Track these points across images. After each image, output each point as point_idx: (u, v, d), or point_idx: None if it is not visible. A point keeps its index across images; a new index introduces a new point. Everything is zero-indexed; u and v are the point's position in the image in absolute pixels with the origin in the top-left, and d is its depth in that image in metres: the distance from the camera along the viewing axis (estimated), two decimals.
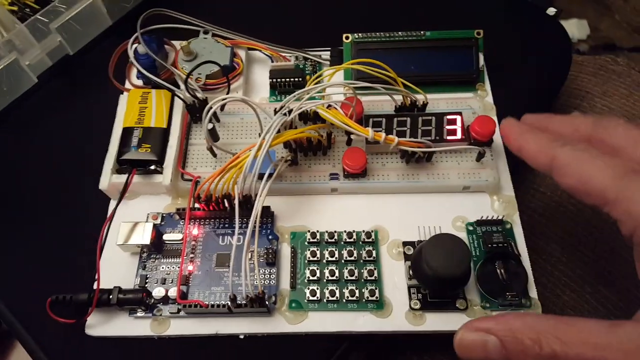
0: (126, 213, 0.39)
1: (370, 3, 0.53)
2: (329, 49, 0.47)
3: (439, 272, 0.32)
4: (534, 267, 0.37)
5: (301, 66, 0.46)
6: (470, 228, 0.38)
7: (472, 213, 0.39)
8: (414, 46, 0.44)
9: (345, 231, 0.38)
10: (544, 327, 0.26)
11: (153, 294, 0.35)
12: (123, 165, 0.40)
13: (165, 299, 0.36)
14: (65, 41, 0.47)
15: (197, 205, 0.38)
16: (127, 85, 0.45)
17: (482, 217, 0.38)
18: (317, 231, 0.38)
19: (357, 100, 0.39)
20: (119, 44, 0.46)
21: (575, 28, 1.04)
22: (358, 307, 0.36)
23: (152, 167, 0.39)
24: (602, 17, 1.06)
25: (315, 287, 0.36)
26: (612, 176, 0.28)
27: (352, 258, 0.37)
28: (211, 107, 0.36)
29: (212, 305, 0.35)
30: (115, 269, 0.37)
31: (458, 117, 0.40)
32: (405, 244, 0.38)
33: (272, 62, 0.46)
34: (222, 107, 0.42)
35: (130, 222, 0.37)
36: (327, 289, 0.36)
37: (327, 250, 0.37)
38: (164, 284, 0.36)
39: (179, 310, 0.35)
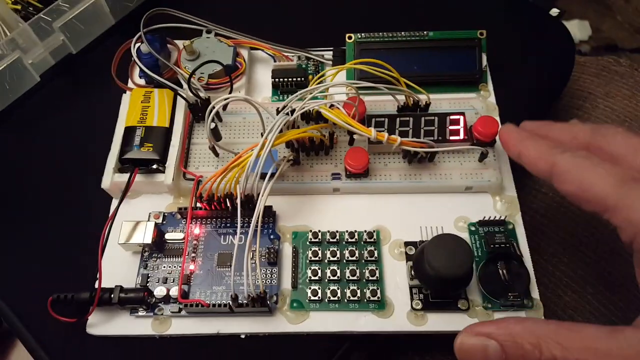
0: (128, 212, 0.39)
1: (373, 3, 0.53)
2: (332, 48, 0.47)
3: (441, 272, 0.32)
4: (535, 267, 0.36)
5: (304, 66, 0.46)
6: (473, 228, 0.38)
7: (475, 213, 0.39)
8: (417, 46, 0.44)
9: (347, 231, 0.38)
10: (544, 332, 0.26)
11: (154, 293, 0.35)
12: (125, 165, 0.40)
13: (167, 298, 0.36)
14: (68, 40, 0.47)
15: (199, 204, 0.38)
16: (130, 84, 0.45)
17: (484, 217, 0.38)
18: (319, 231, 0.38)
19: (359, 100, 0.39)
20: (121, 43, 0.46)
21: (577, 29, 1.04)
22: (359, 307, 0.35)
23: (154, 167, 0.39)
24: (604, 18, 1.06)
25: (316, 287, 0.36)
26: (613, 184, 0.28)
27: (354, 258, 0.37)
28: (214, 107, 0.36)
29: (214, 305, 0.35)
30: (117, 268, 0.37)
31: (461, 118, 0.40)
32: (407, 244, 0.38)
33: (275, 61, 0.46)
34: (225, 107, 0.42)
35: (132, 221, 0.37)
36: (329, 288, 0.36)
37: (329, 250, 0.37)
38: (165, 283, 0.36)
39: (180, 310, 0.35)
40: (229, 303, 0.34)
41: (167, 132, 0.41)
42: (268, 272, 0.37)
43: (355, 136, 0.40)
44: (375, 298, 0.35)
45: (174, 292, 0.35)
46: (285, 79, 0.44)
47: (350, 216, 0.39)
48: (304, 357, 0.37)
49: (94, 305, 0.34)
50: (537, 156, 0.33)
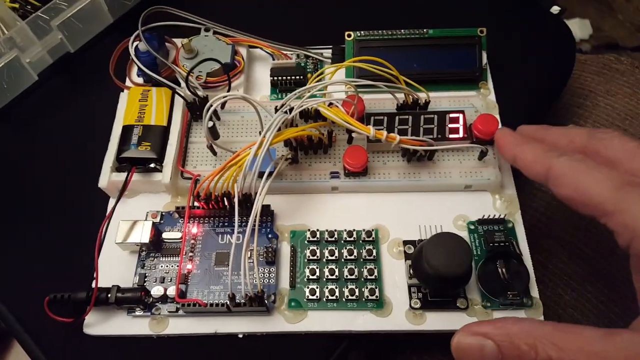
0: (125, 211, 0.39)
1: (372, 1, 0.53)
2: (331, 46, 0.46)
3: (439, 271, 0.31)
4: (535, 266, 0.36)
5: (302, 64, 0.46)
6: (472, 227, 0.38)
7: (474, 212, 0.39)
8: (417, 44, 0.44)
9: (345, 230, 0.38)
10: (540, 333, 0.26)
11: (152, 293, 0.35)
12: (123, 164, 0.39)
13: (164, 298, 0.35)
14: (66, 39, 0.47)
15: (196, 203, 0.38)
16: (128, 83, 0.45)
17: (483, 216, 0.38)
18: (317, 230, 0.38)
19: (358, 98, 0.39)
20: (120, 42, 0.46)
21: (578, 28, 1.04)
22: (358, 306, 0.35)
23: (152, 165, 0.39)
24: (605, 17, 1.06)
25: (314, 286, 0.36)
26: (610, 188, 0.28)
27: (352, 257, 0.37)
28: (211, 105, 0.36)
29: (211, 304, 0.35)
30: (114, 268, 0.37)
31: (460, 116, 0.40)
32: (405, 242, 0.38)
33: (273, 60, 0.46)
34: (223, 105, 0.42)
35: (130, 221, 0.37)
36: (327, 288, 0.36)
37: (327, 249, 0.37)
38: (162, 282, 0.36)
39: (177, 309, 0.35)
40: (226, 302, 0.34)
41: (165, 130, 0.40)
42: (266, 271, 0.36)
43: (354, 135, 0.40)
44: (374, 297, 0.35)
45: (172, 291, 0.35)
46: (284, 77, 0.44)
47: (349, 215, 0.39)
48: (302, 357, 0.36)
49: (91, 305, 0.34)
50: (533, 160, 0.33)
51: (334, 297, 0.35)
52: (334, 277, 0.36)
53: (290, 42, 0.46)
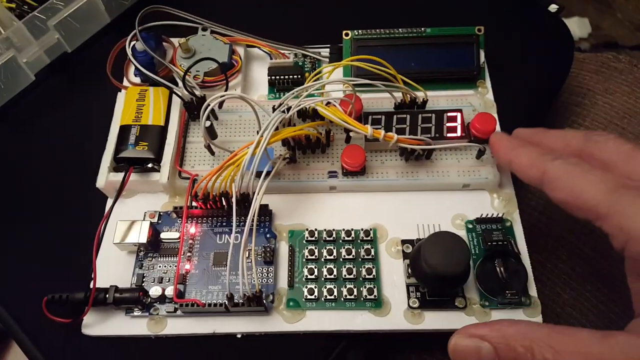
0: (123, 211, 0.39)
1: (370, 0, 0.52)
2: (328, 46, 0.46)
3: (438, 270, 0.31)
4: (533, 265, 0.36)
5: (300, 63, 0.46)
6: (470, 226, 0.38)
7: (472, 211, 0.38)
8: (414, 43, 0.44)
9: (343, 229, 0.38)
10: (537, 336, 0.26)
11: (150, 293, 0.35)
12: (120, 164, 0.39)
13: (162, 298, 0.35)
14: (63, 38, 0.46)
15: (194, 203, 0.38)
16: (125, 82, 0.45)
17: (481, 215, 0.38)
18: (316, 229, 0.38)
19: (356, 98, 0.39)
20: (117, 42, 0.46)
21: (577, 26, 1.04)
22: (356, 306, 0.35)
23: (150, 165, 0.39)
24: (604, 15, 1.06)
25: (313, 286, 0.36)
26: (604, 191, 0.28)
27: (351, 256, 0.37)
28: (209, 105, 0.36)
29: (210, 304, 0.34)
30: (112, 268, 0.37)
31: (458, 115, 0.40)
32: (404, 242, 0.37)
33: (271, 59, 0.46)
34: (220, 105, 0.42)
35: (127, 221, 0.37)
36: (325, 287, 0.35)
37: (326, 248, 0.37)
38: (160, 282, 0.36)
39: (175, 310, 0.35)
40: (224, 302, 0.34)
41: (163, 130, 0.40)
42: (264, 271, 0.36)
43: (351, 134, 0.40)
44: (372, 297, 0.35)
45: (170, 291, 0.35)
46: (282, 77, 0.44)
47: (347, 214, 0.39)
48: (300, 357, 0.36)
49: (89, 305, 0.34)
50: (528, 164, 0.33)
51: (332, 297, 0.35)
52: (332, 276, 0.36)
53: (287, 41, 0.46)
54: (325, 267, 0.36)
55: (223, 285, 0.36)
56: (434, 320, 0.35)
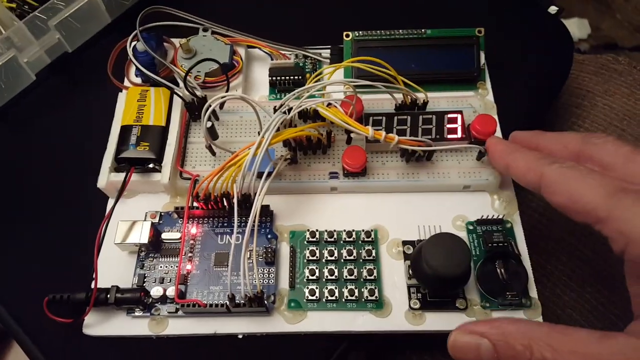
0: (124, 212, 0.39)
1: (371, 1, 0.53)
2: (329, 47, 0.46)
3: (438, 271, 0.31)
4: (533, 267, 0.36)
5: (301, 64, 0.46)
6: (471, 227, 0.38)
7: (473, 212, 0.39)
8: (415, 44, 0.44)
9: (344, 230, 0.38)
10: (536, 334, 0.26)
11: (151, 294, 0.35)
12: (121, 164, 0.39)
13: (164, 299, 0.35)
14: (64, 38, 0.46)
15: (195, 204, 0.38)
16: (126, 83, 0.45)
17: (482, 216, 0.38)
18: (317, 230, 0.38)
19: (357, 99, 0.39)
20: (117, 42, 0.46)
21: (576, 27, 1.04)
22: (357, 307, 0.35)
23: (151, 166, 0.39)
24: (603, 17, 1.06)
25: (314, 287, 0.36)
26: (603, 194, 0.28)
27: (352, 257, 0.37)
28: (210, 105, 0.36)
29: (211, 305, 0.35)
30: (113, 268, 0.37)
31: (459, 116, 0.40)
32: (405, 243, 0.38)
33: (272, 60, 0.46)
34: (221, 105, 0.42)
35: (129, 221, 0.37)
36: (327, 288, 0.36)
37: (327, 249, 0.37)
38: (162, 283, 0.36)
39: (177, 310, 0.35)
40: (226, 303, 0.34)
41: (164, 131, 0.40)
42: (265, 271, 0.36)
43: (352, 135, 0.40)
44: (373, 297, 0.35)
45: (171, 292, 0.35)
46: (283, 78, 0.44)
47: (348, 215, 0.39)
48: (301, 357, 0.37)
49: (90, 305, 0.34)
50: (526, 168, 0.32)
51: (333, 298, 0.35)
52: (333, 277, 0.36)
53: (288, 42, 0.46)
54: (327, 267, 0.36)
55: (224, 286, 0.36)
56: (435, 321, 0.35)
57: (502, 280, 0.35)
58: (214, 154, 0.40)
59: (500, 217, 0.38)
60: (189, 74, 0.40)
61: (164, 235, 0.38)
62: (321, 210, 0.39)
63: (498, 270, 0.35)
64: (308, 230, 0.38)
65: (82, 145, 0.43)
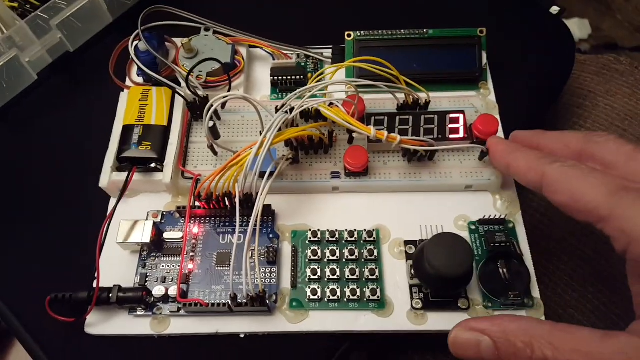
0: (126, 211, 0.39)
1: (372, 1, 0.53)
2: (331, 46, 0.46)
3: (441, 271, 0.31)
4: (536, 266, 0.36)
5: (303, 64, 0.46)
6: (473, 227, 0.38)
7: (475, 212, 0.39)
8: (417, 44, 0.44)
9: (346, 230, 0.38)
10: (537, 332, 0.26)
11: (153, 293, 0.35)
12: (123, 163, 0.39)
13: (166, 298, 0.35)
14: (66, 38, 0.46)
15: (197, 203, 0.38)
16: (128, 82, 0.45)
17: (484, 216, 0.38)
18: (318, 230, 0.38)
19: (359, 99, 0.39)
20: (119, 41, 0.46)
21: (577, 27, 1.04)
22: (359, 307, 0.35)
23: (153, 165, 0.39)
24: (604, 17, 1.06)
25: (316, 286, 0.36)
26: (605, 193, 0.28)
27: (354, 257, 0.37)
28: (212, 105, 0.36)
29: (213, 304, 0.35)
30: (115, 268, 0.37)
31: (461, 116, 0.40)
32: (407, 243, 0.38)
33: (274, 59, 0.46)
34: (223, 105, 0.42)
35: (131, 221, 0.37)
36: (328, 288, 0.36)
37: (329, 249, 0.37)
38: (164, 282, 0.36)
39: (179, 309, 0.35)
40: (228, 302, 0.34)
41: (165, 130, 0.40)
42: (267, 271, 0.36)
43: (354, 135, 0.40)
44: (375, 297, 0.35)
45: (173, 291, 0.35)
46: (284, 77, 0.44)
47: (350, 215, 0.39)
48: (303, 357, 0.36)
49: (92, 304, 0.34)
50: (527, 167, 0.32)
51: (335, 297, 0.35)
52: (335, 277, 0.36)
53: (290, 42, 0.46)
54: (329, 267, 0.36)
55: (226, 285, 0.36)
56: (437, 321, 0.35)
57: (504, 280, 0.35)
58: (215, 153, 0.40)
59: (503, 217, 0.38)
60: (191, 73, 0.40)
61: (166, 235, 0.38)
62: (323, 210, 0.39)
63: (500, 270, 0.35)
64: (310, 230, 0.38)
65: (83, 145, 0.43)
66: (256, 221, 0.33)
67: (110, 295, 0.34)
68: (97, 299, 0.34)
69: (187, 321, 0.35)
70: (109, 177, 0.39)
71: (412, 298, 0.35)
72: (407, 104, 0.41)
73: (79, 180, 0.41)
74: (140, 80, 0.45)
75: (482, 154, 0.39)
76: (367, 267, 0.36)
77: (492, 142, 0.37)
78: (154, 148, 0.39)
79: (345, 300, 0.35)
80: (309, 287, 0.36)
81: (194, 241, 0.38)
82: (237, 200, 0.35)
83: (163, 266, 0.37)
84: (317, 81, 0.40)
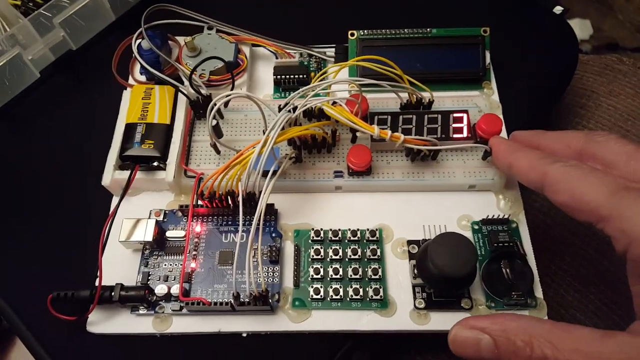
0: (129, 209, 0.39)
1: (374, 1, 0.52)
2: (334, 45, 0.46)
3: (444, 271, 0.31)
4: (538, 266, 0.36)
5: (306, 63, 0.46)
6: (476, 227, 0.38)
7: (478, 212, 0.38)
8: (420, 43, 0.44)
9: (349, 229, 0.38)
10: (537, 331, 0.26)
11: (155, 291, 0.35)
12: (126, 162, 0.39)
13: (168, 297, 0.35)
14: (69, 36, 0.46)
15: (200, 202, 0.37)
16: (131, 80, 0.45)
17: (487, 216, 0.38)
18: (321, 229, 0.38)
19: (362, 98, 0.39)
20: (122, 40, 0.46)
21: (578, 28, 1.04)
22: (362, 306, 0.35)
23: (155, 164, 0.39)
24: (605, 17, 1.06)
25: (319, 286, 0.36)
26: (605, 193, 0.28)
27: (356, 256, 0.37)
28: (215, 104, 0.36)
29: (215, 303, 0.34)
30: (118, 266, 0.37)
31: (464, 115, 0.40)
32: (410, 242, 0.37)
33: (277, 58, 0.46)
34: (226, 104, 0.42)
35: (133, 219, 0.37)
36: (331, 287, 0.35)
37: (331, 248, 0.37)
38: (166, 281, 0.36)
39: (181, 308, 0.35)
40: (230, 301, 0.34)
41: (168, 129, 0.40)
42: (270, 270, 0.36)
43: (357, 134, 0.40)
44: (378, 297, 0.35)
45: (175, 290, 0.35)
46: (287, 76, 0.44)
47: (353, 214, 0.39)
48: (305, 356, 0.36)
49: (95, 303, 0.34)
50: (528, 167, 0.32)
51: (338, 297, 0.35)
52: (338, 276, 0.36)
53: (293, 41, 0.46)
54: (331, 266, 0.36)
55: (229, 284, 0.36)
56: (440, 321, 0.35)
57: (507, 280, 0.35)
58: (218, 152, 0.40)
59: (506, 217, 0.38)
60: (194, 72, 0.40)
61: (169, 234, 0.38)
62: (326, 209, 0.39)
63: (503, 270, 0.35)
64: (313, 229, 0.38)
65: (86, 143, 0.43)
66: (259, 220, 0.33)
67: (113, 293, 0.34)
68: (100, 298, 0.34)
69: (190, 320, 0.35)
70: (111, 176, 0.39)
71: (414, 298, 0.35)
72: (410, 103, 0.41)
73: (82, 179, 0.41)
74: (143, 78, 0.45)
75: (486, 154, 0.39)
76: (370, 267, 0.36)
77: (494, 142, 0.37)
78: (156, 146, 0.39)
79: (348, 299, 0.35)
80: (312, 287, 0.36)
81: (196, 240, 0.38)
82: (239, 199, 0.35)
83: (165, 265, 0.37)
84: (320, 80, 0.40)
